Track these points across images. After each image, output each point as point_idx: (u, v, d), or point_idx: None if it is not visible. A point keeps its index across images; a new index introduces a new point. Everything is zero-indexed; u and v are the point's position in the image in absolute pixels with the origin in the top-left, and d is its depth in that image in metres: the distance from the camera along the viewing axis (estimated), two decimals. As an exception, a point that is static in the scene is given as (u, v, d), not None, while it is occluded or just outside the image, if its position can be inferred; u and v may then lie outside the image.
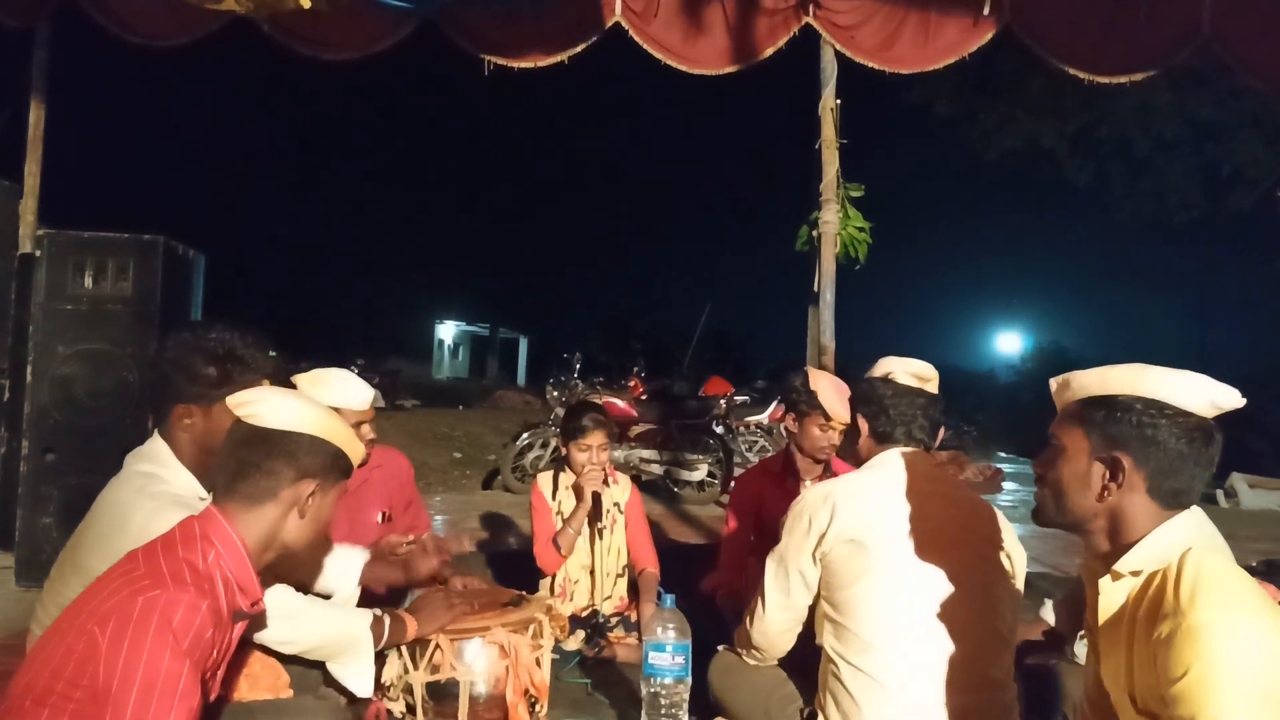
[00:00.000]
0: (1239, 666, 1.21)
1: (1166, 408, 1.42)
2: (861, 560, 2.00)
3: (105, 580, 1.50)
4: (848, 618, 2.00)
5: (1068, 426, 1.51)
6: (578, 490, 3.28)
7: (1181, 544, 1.38)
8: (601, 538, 3.30)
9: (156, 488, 1.87)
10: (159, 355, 2.06)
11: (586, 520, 3.26)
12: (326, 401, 2.57)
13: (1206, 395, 1.43)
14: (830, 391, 3.07)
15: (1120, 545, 1.44)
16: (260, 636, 1.91)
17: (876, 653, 1.94)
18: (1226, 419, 1.46)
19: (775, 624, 2.20)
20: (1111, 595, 1.45)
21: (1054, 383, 1.58)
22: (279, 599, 1.94)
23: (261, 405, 1.66)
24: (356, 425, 2.79)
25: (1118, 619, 1.44)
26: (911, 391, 2.22)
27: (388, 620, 2.13)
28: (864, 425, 2.26)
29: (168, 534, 1.58)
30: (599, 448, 3.28)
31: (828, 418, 3.04)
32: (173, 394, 1.99)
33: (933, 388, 2.26)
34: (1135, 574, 1.42)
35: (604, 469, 3.29)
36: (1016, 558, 2.13)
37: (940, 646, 1.92)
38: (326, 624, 2.03)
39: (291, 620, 1.96)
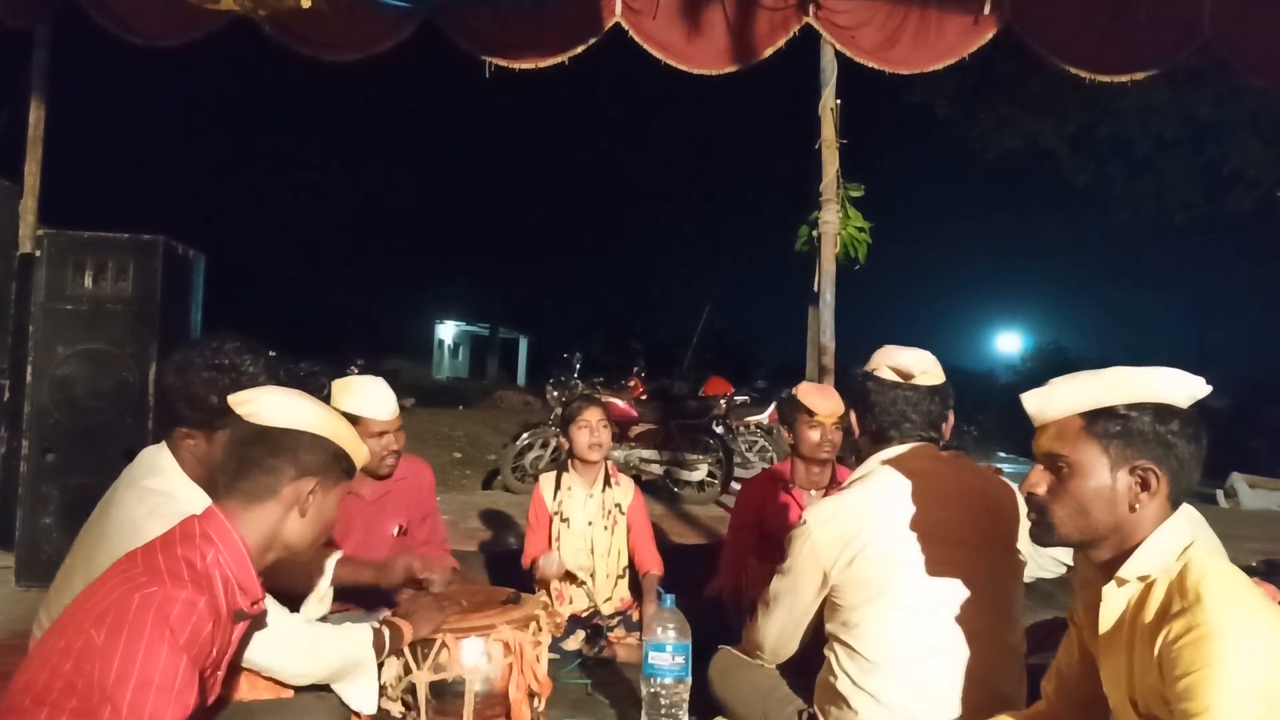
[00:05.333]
0: (1250, 667, 1.22)
1: (1169, 409, 1.42)
2: (870, 584, 1.94)
3: (104, 579, 1.50)
4: (854, 638, 1.96)
5: (1076, 443, 1.45)
6: (543, 580, 3.20)
7: (1179, 546, 1.39)
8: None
9: (170, 508, 1.84)
10: (164, 374, 2.05)
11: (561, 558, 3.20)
12: (344, 408, 2.58)
13: (1187, 389, 1.44)
14: (811, 390, 3.23)
15: (1123, 551, 1.44)
16: (275, 672, 1.90)
17: (882, 675, 1.91)
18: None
19: (778, 633, 2.18)
20: (1114, 602, 1.45)
21: (1030, 402, 1.52)
22: (290, 636, 1.92)
23: (262, 403, 1.67)
24: (379, 435, 2.75)
25: (1118, 624, 1.44)
26: (896, 387, 2.06)
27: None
28: (855, 422, 2.16)
29: (167, 532, 1.58)
30: (598, 423, 3.31)
31: (811, 413, 3.15)
32: (175, 417, 1.99)
33: (928, 379, 2.08)
34: (1141, 579, 1.41)
35: (609, 464, 3.30)
36: (1026, 552, 2.07)
37: (950, 664, 1.89)
38: (336, 654, 2.02)
39: (305, 658, 1.94)
